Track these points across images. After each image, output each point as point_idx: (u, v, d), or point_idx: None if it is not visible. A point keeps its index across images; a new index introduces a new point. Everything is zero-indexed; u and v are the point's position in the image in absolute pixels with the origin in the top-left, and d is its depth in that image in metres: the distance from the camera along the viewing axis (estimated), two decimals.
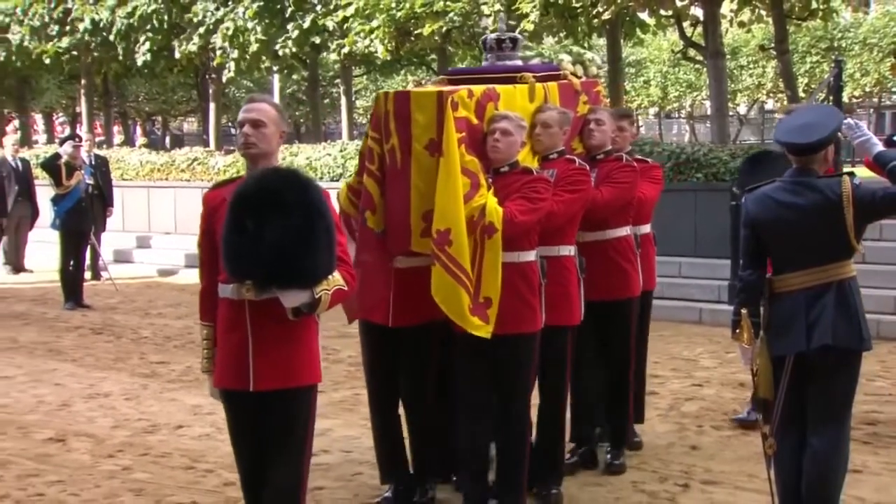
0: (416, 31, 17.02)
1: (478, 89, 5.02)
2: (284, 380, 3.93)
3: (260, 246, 3.64)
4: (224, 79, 21.98)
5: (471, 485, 5.05)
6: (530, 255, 4.95)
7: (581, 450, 5.92)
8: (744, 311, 4.69)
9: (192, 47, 20.29)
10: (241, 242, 3.69)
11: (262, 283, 3.75)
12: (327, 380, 6.16)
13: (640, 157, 6.19)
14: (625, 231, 5.79)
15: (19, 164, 14.49)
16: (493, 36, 5.68)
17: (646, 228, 6.06)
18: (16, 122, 29.22)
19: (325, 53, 20.42)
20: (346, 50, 18.43)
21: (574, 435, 5.91)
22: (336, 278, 3.86)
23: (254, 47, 19.37)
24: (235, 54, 19.72)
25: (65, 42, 22.09)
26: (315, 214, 3.73)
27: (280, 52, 19.41)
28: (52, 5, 22.09)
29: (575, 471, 5.72)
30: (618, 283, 5.73)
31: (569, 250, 5.26)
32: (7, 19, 22.72)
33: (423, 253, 4.90)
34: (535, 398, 5.25)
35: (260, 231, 3.65)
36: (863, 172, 5.80)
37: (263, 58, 19.93)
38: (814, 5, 14.87)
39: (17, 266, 15.24)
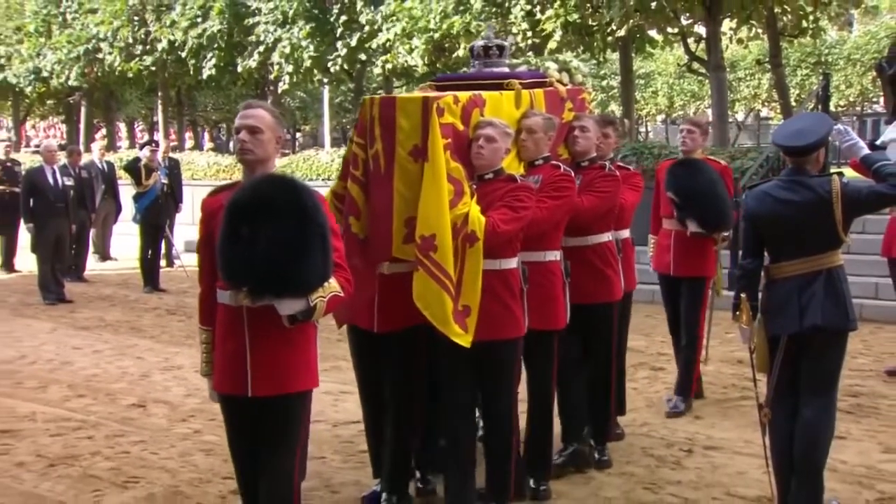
0: (451, 49, 17.02)
1: (463, 95, 4.48)
2: (281, 386, 3.53)
3: (253, 254, 3.28)
4: (279, 90, 22.07)
5: (457, 482, 4.53)
6: (512, 263, 4.45)
7: (570, 449, 5.29)
8: (743, 295, 4.65)
9: (253, 63, 20.42)
10: (235, 250, 3.33)
11: (255, 291, 3.36)
12: None
13: (621, 164, 5.67)
14: (607, 237, 5.23)
15: (105, 166, 14.59)
16: (481, 43, 5.09)
17: (625, 233, 5.52)
18: (103, 130, 29.53)
19: (370, 68, 20.47)
20: (388, 65, 18.47)
21: (564, 436, 5.31)
22: (332, 285, 3.46)
23: (306, 63, 19.45)
24: (290, 69, 19.82)
25: (146, 61, 22.36)
26: (309, 221, 3.35)
27: (330, 68, 19.48)
28: (136, 29, 22.36)
29: (564, 473, 5.17)
30: (599, 287, 5.17)
31: (554, 255, 4.74)
32: (98, 42, 23.07)
33: (405, 259, 4.38)
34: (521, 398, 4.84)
35: (254, 239, 3.28)
36: (849, 173, 5.73)
37: (315, 72, 20.02)
38: (804, 24, 14.83)
39: (103, 255, 15.38)
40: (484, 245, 4.24)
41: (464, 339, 4.23)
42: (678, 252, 6.37)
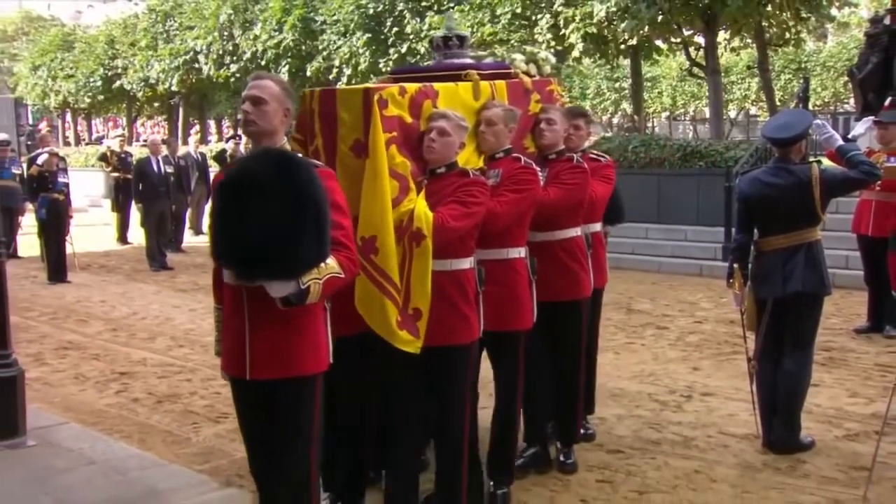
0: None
1: (412, 87, 3.55)
2: (283, 369, 2.80)
3: (239, 234, 2.60)
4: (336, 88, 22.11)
5: (402, 493, 3.62)
6: (465, 263, 3.51)
7: (531, 450, 4.30)
8: (736, 265, 4.63)
9: (317, 65, 20.54)
10: (222, 230, 2.64)
11: (243, 273, 2.68)
12: None
13: (594, 155, 4.53)
14: (575, 232, 4.19)
15: (199, 156, 14.77)
16: (440, 34, 4.17)
17: (596, 227, 4.49)
18: (197, 126, 29.84)
19: None
20: None
21: (527, 435, 4.29)
22: (330, 265, 2.70)
23: (361, 67, 19.55)
24: (349, 71, 19.91)
25: (233, 68, 22.58)
26: (301, 199, 2.60)
27: (383, 71, 19.47)
28: (225, 42, 22.62)
29: (526, 473, 4.20)
30: (567, 284, 4.14)
31: (518, 252, 3.78)
32: (195, 54, 23.39)
33: None
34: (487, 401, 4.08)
35: (240, 218, 2.59)
36: (826, 162, 5.65)
37: (371, 75, 20.04)
38: (787, 36, 14.78)
39: (197, 230, 15.54)
40: (433, 243, 3.34)
41: (412, 346, 3.34)
42: None
